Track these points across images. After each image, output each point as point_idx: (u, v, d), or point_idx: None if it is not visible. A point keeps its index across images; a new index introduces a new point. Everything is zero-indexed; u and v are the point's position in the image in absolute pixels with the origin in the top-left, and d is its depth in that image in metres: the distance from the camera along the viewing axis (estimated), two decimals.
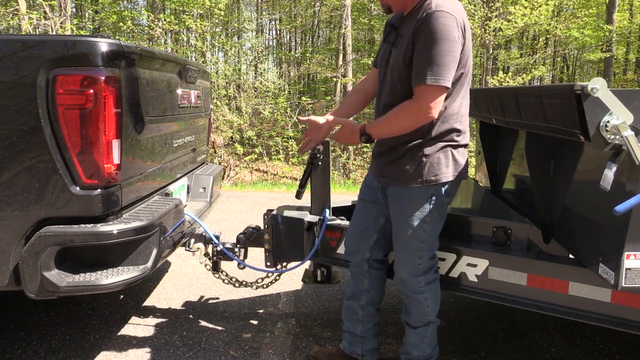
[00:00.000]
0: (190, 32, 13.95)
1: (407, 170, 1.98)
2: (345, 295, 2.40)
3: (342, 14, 13.08)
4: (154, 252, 2.13)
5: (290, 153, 12.26)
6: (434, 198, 1.98)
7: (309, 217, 2.61)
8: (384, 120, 1.94)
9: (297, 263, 2.66)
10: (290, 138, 12.24)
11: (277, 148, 12.52)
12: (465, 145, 2.02)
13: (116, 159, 1.99)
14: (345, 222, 2.52)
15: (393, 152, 2.03)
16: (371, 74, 2.32)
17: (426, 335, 2.17)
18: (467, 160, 2.06)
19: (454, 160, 1.99)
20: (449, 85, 1.80)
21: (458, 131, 1.98)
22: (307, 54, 17.94)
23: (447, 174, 1.98)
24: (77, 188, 1.94)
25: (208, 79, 3.53)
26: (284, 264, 2.80)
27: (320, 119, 2.17)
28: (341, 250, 2.46)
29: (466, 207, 2.82)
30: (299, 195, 2.53)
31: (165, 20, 11.96)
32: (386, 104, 2.02)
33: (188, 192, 3.11)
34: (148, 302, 3.19)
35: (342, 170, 12.88)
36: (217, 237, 2.77)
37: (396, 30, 2.00)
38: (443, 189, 1.99)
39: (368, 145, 14.35)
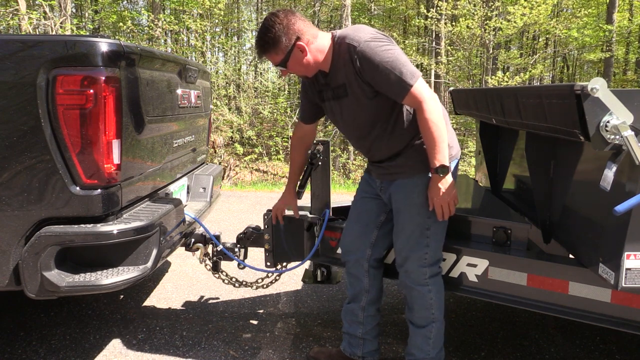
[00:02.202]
0: (190, 32, 13.96)
1: (415, 164, 2.08)
2: (346, 299, 2.40)
3: (342, 14, 13.08)
4: (154, 252, 2.12)
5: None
6: None
7: (309, 217, 2.61)
8: (432, 143, 1.94)
9: (297, 263, 2.66)
10: (290, 138, 12.24)
11: (277, 148, 12.52)
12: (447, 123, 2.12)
13: (116, 159, 1.99)
14: None
15: (397, 158, 2.12)
16: (301, 129, 2.43)
17: (430, 336, 2.15)
18: (455, 136, 2.22)
19: (451, 142, 2.10)
20: (420, 73, 1.97)
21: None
22: None
23: (450, 154, 2.07)
24: (77, 188, 1.94)
25: (208, 79, 3.53)
26: (284, 264, 2.80)
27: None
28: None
29: (466, 207, 2.82)
30: (299, 195, 2.54)
31: (165, 20, 11.97)
32: (377, 137, 2.11)
33: (188, 192, 3.10)
34: (148, 302, 3.19)
35: (342, 170, 12.88)
36: (217, 237, 2.77)
37: (328, 86, 2.10)
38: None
39: None
